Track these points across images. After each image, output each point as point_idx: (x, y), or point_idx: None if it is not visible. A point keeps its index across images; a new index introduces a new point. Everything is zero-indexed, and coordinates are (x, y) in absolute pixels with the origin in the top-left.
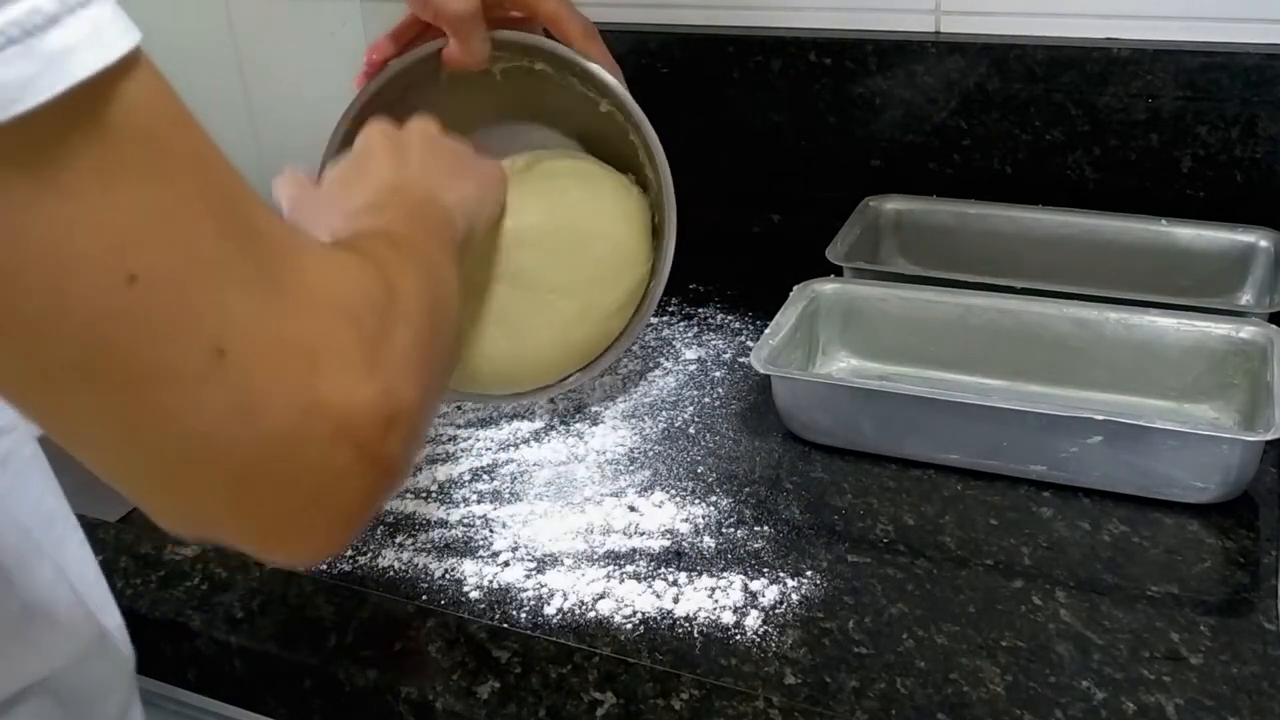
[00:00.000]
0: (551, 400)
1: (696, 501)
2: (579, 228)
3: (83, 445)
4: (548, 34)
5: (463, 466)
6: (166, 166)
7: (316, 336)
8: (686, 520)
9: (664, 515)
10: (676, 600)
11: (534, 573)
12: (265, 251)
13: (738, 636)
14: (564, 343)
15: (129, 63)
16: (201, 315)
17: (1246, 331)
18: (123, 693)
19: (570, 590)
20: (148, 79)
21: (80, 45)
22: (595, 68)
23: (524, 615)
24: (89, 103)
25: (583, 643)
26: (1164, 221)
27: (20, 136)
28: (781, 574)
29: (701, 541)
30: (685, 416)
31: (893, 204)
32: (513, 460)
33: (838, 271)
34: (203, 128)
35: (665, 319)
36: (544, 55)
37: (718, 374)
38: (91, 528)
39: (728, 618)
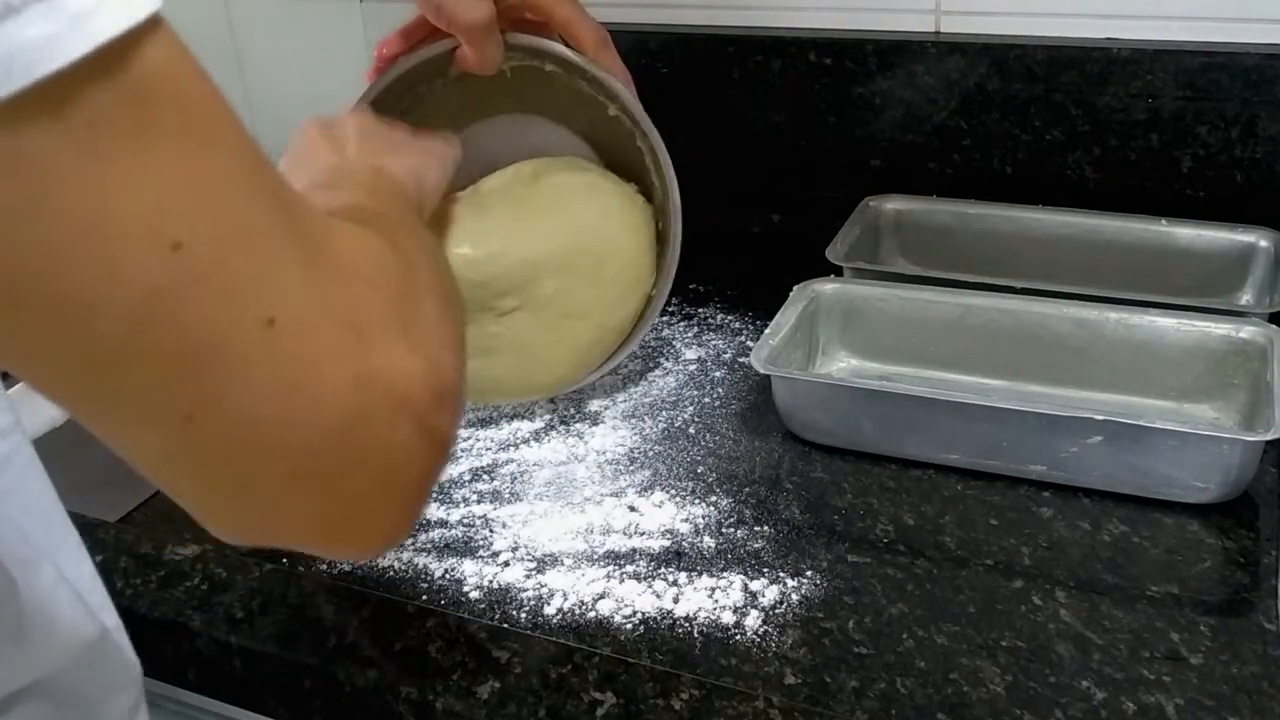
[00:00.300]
0: (551, 400)
1: (696, 501)
2: (592, 251)
3: (131, 443)
4: (561, 39)
5: (463, 466)
6: (199, 130)
7: (358, 307)
8: (686, 520)
9: (664, 515)
10: (676, 600)
11: (534, 573)
12: (298, 219)
13: (738, 636)
14: (576, 363)
15: (154, 24)
16: (249, 283)
17: (1246, 331)
18: (129, 697)
19: (570, 590)
20: (172, 43)
21: (104, 4)
22: (606, 76)
23: (524, 615)
24: (118, 62)
25: (583, 643)
26: (1164, 221)
27: (48, 99)
28: (781, 574)
29: (701, 541)
30: (685, 416)
31: (893, 204)
32: (513, 460)
33: (838, 271)
34: (223, 96)
35: (665, 319)
36: (555, 59)
37: (718, 374)
38: (91, 528)
39: (728, 618)
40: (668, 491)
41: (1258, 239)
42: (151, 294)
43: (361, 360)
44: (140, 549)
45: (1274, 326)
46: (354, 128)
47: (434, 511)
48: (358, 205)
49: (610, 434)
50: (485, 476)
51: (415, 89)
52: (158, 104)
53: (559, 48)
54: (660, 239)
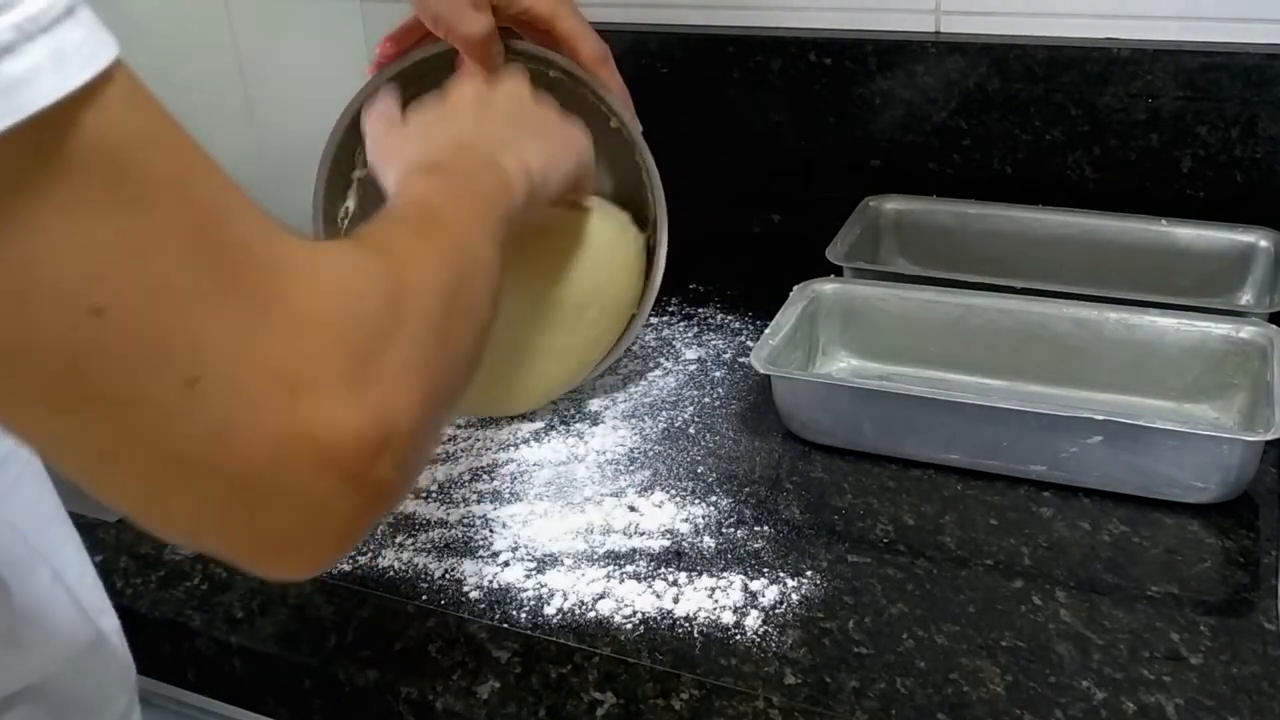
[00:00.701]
0: (552, 400)
1: (696, 501)
2: (578, 300)
3: (67, 468)
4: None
5: (462, 466)
6: (137, 194)
7: (299, 360)
8: (686, 520)
9: (664, 515)
10: (676, 600)
11: (534, 573)
12: (247, 271)
13: (738, 636)
14: (545, 394)
15: (97, 86)
16: (172, 344)
17: (1246, 331)
18: (123, 700)
19: (570, 590)
20: (121, 98)
21: (39, 74)
22: (604, 91)
23: (524, 615)
24: (50, 134)
25: (583, 643)
26: (1164, 221)
27: None
28: (781, 574)
29: (701, 541)
30: (685, 416)
31: (893, 204)
32: (513, 460)
33: (838, 271)
34: (189, 139)
35: (665, 319)
36: (557, 67)
37: (718, 374)
38: (90, 528)
39: (728, 618)
40: (668, 491)
41: (1258, 239)
42: (72, 356)
43: (289, 415)
44: (140, 549)
45: (1274, 326)
46: (506, 98)
47: (434, 511)
48: (424, 202)
49: (610, 434)
50: (485, 476)
51: (422, 82)
52: (93, 172)
53: (560, 57)
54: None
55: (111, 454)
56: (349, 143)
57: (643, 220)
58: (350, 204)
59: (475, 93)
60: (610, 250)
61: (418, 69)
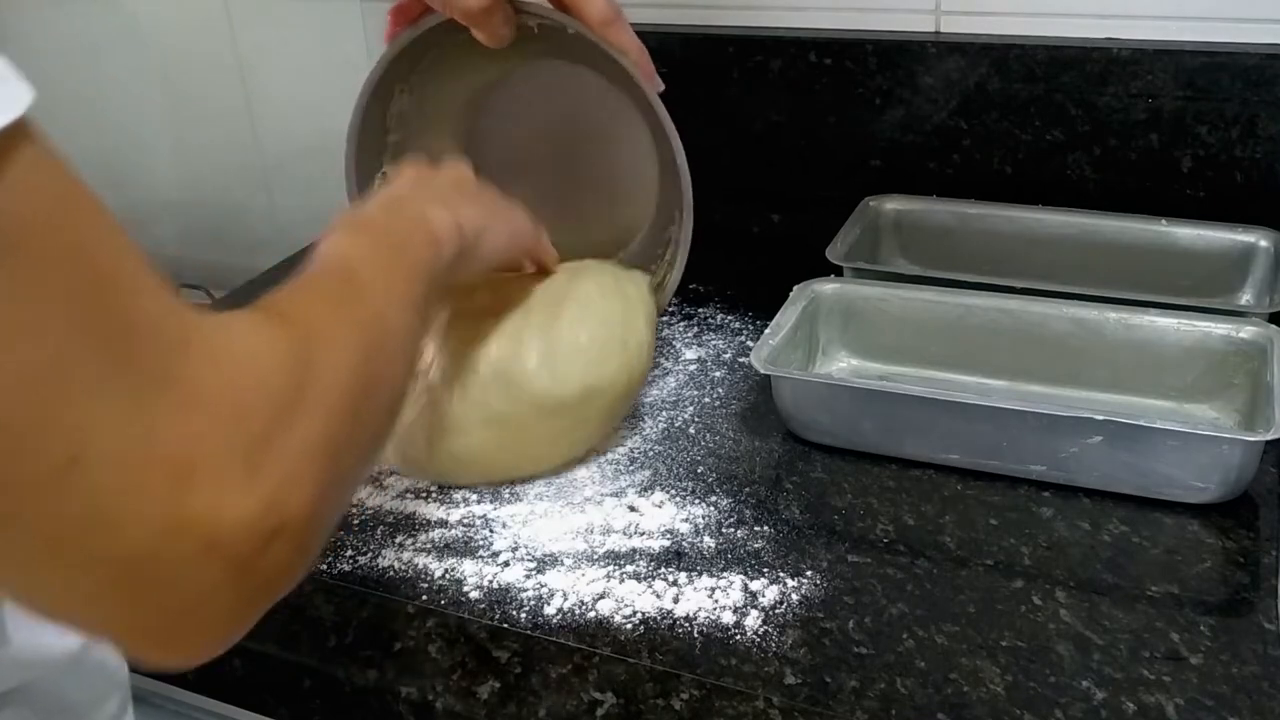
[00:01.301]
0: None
1: (696, 501)
2: (595, 394)
3: None
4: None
5: None
6: (24, 270)
7: (191, 442)
8: (686, 520)
9: (664, 515)
10: (676, 600)
11: (534, 573)
12: (141, 349)
13: (738, 636)
14: (561, 461)
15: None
16: (53, 424)
17: (1247, 331)
18: (114, 701)
19: (570, 590)
20: (20, 168)
21: None
22: (615, 53)
23: (524, 615)
24: None
25: (583, 643)
26: (1164, 221)
27: None
28: (781, 574)
29: (701, 541)
30: (685, 416)
31: (893, 204)
32: None
33: (838, 271)
34: (93, 202)
35: (665, 319)
36: (574, 27)
37: (718, 374)
38: None
39: (728, 618)
40: (668, 491)
41: (1258, 239)
42: None
43: (174, 503)
44: None
45: (1274, 326)
46: (447, 176)
47: (434, 511)
48: (344, 266)
49: (610, 434)
50: None
51: (439, 45)
52: None
53: (571, 19)
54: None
55: None
56: (375, 109)
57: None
58: (387, 169)
59: (417, 172)
60: (622, 341)
61: (432, 36)
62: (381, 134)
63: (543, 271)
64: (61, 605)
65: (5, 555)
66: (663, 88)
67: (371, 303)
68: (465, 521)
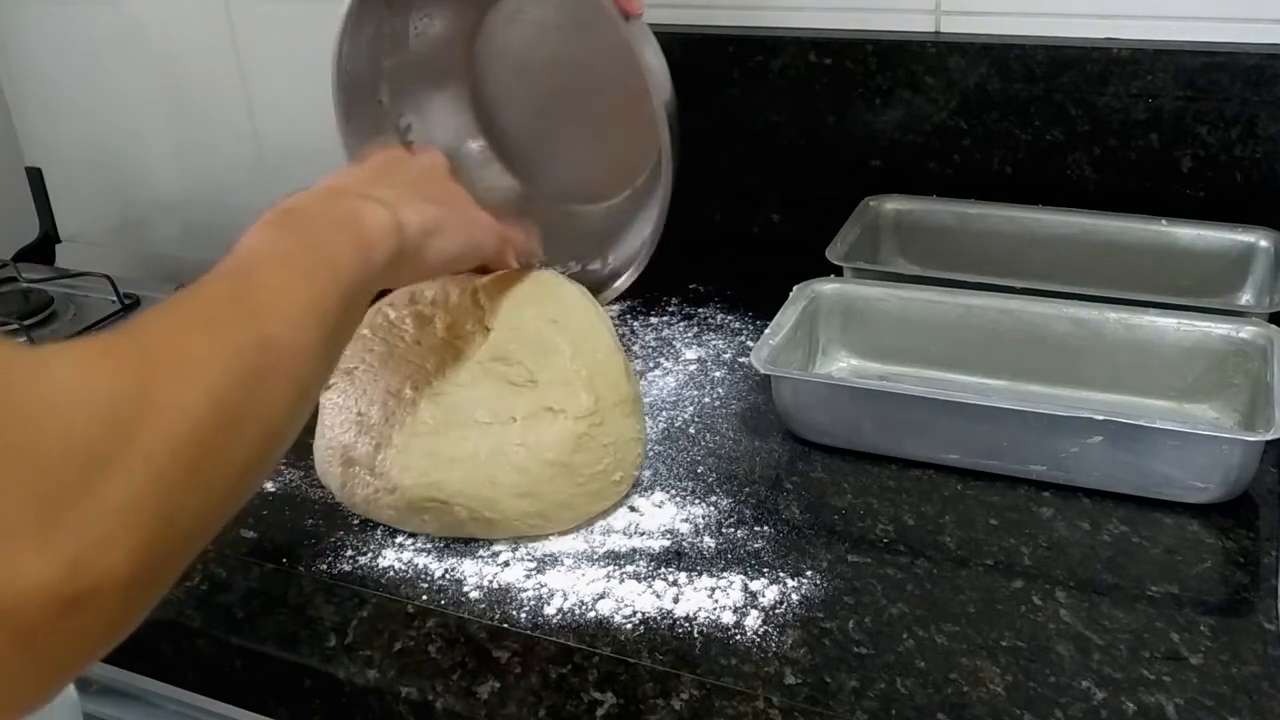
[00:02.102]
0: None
1: (696, 501)
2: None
3: None
4: None
5: None
6: None
7: None
8: (686, 520)
9: (664, 515)
10: (676, 600)
11: (534, 573)
12: None
13: (738, 636)
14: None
15: None
16: None
17: (1247, 331)
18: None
19: (570, 590)
20: None
21: None
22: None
23: (524, 615)
24: None
25: (583, 643)
26: (1164, 221)
27: None
28: (781, 574)
29: (701, 541)
30: (685, 416)
31: (893, 204)
32: None
33: (838, 271)
34: None
35: (665, 319)
36: None
37: (718, 374)
38: None
39: (728, 618)
40: (668, 491)
41: (1258, 239)
42: None
43: None
44: None
45: (1274, 326)
46: (415, 167)
47: None
48: (236, 275)
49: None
50: None
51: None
52: None
53: None
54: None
55: None
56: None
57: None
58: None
59: (387, 156)
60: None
61: None
62: (377, 58)
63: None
64: None
65: None
66: (640, 11)
67: (259, 322)
68: None
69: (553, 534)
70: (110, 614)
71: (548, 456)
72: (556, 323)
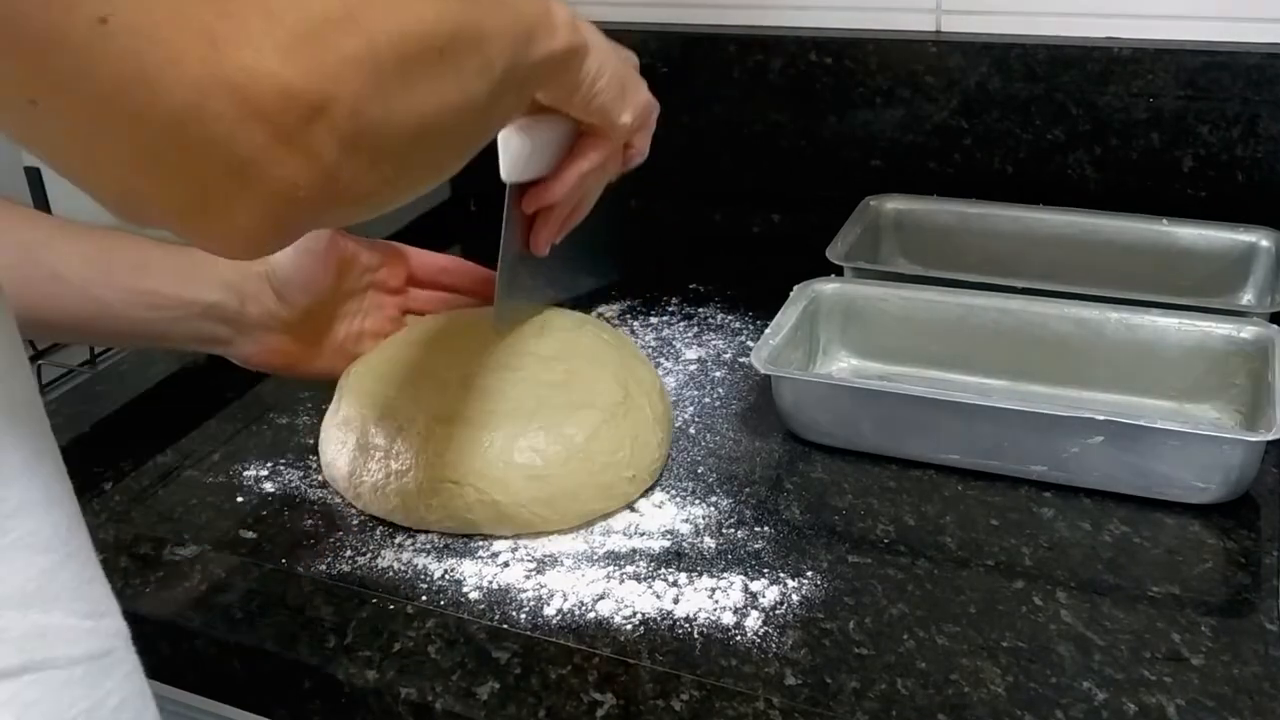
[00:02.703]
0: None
1: (696, 502)
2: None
3: (6, 124)
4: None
5: None
6: None
7: (217, 19)
8: (687, 520)
9: (664, 515)
10: (676, 601)
11: (534, 573)
12: None
13: (738, 637)
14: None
15: None
16: None
17: (1248, 331)
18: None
19: (570, 591)
20: None
21: None
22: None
23: (524, 616)
24: None
25: (582, 644)
26: (1165, 221)
27: None
28: (782, 574)
29: (702, 542)
30: (685, 416)
31: (893, 204)
32: None
33: (838, 271)
34: None
35: (665, 319)
36: None
37: (718, 374)
38: (90, 529)
39: (728, 618)
40: (668, 491)
41: (1259, 239)
42: None
43: (210, 63)
44: (140, 549)
45: (1275, 326)
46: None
47: None
48: None
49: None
50: None
51: None
52: None
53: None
54: None
55: (31, 101)
56: None
57: None
58: None
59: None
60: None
61: None
62: None
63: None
64: (110, 177)
65: (53, 127)
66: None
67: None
68: None
69: (554, 532)
70: (345, 140)
71: (565, 438)
72: (606, 340)
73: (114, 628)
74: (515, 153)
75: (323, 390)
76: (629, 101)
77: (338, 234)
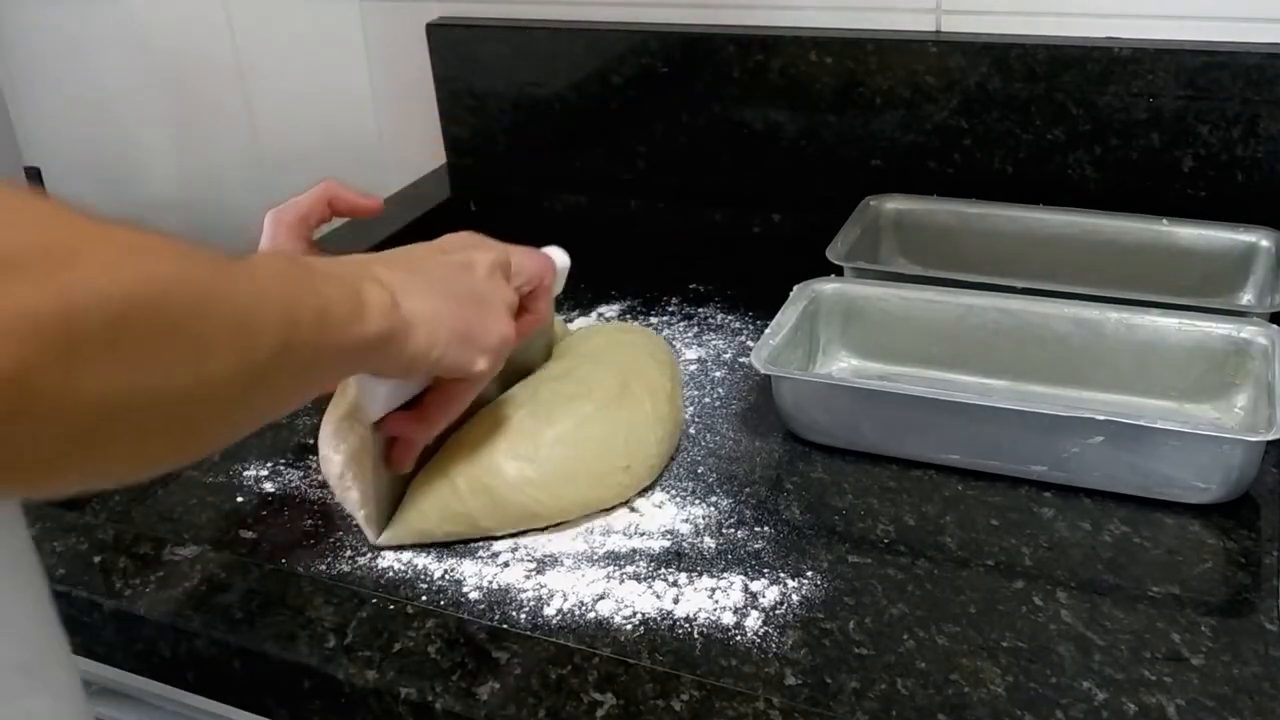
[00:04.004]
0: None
1: (696, 502)
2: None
3: None
4: None
5: None
6: None
7: None
8: (687, 521)
9: (664, 516)
10: (677, 601)
11: (534, 573)
12: None
13: (738, 637)
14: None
15: None
16: None
17: (1248, 331)
18: None
19: (570, 591)
20: None
21: None
22: None
23: (524, 616)
24: None
25: (582, 644)
26: (1165, 221)
27: None
28: (782, 574)
29: (702, 542)
30: (685, 416)
31: (893, 204)
32: None
33: (838, 271)
34: None
35: (665, 319)
36: None
37: (718, 374)
38: (90, 529)
39: (728, 618)
40: (668, 492)
41: (1259, 239)
42: None
43: None
44: (140, 549)
45: (1275, 326)
46: (453, 266)
47: None
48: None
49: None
50: None
51: None
52: None
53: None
54: None
55: None
56: None
57: None
58: None
59: (429, 247)
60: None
61: None
62: None
63: None
64: None
65: None
66: None
67: (229, 279)
68: None
69: (554, 528)
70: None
71: (556, 423)
72: (623, 341)
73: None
74: (369, 396)
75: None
76: (479, 346)
77: (309, 245)
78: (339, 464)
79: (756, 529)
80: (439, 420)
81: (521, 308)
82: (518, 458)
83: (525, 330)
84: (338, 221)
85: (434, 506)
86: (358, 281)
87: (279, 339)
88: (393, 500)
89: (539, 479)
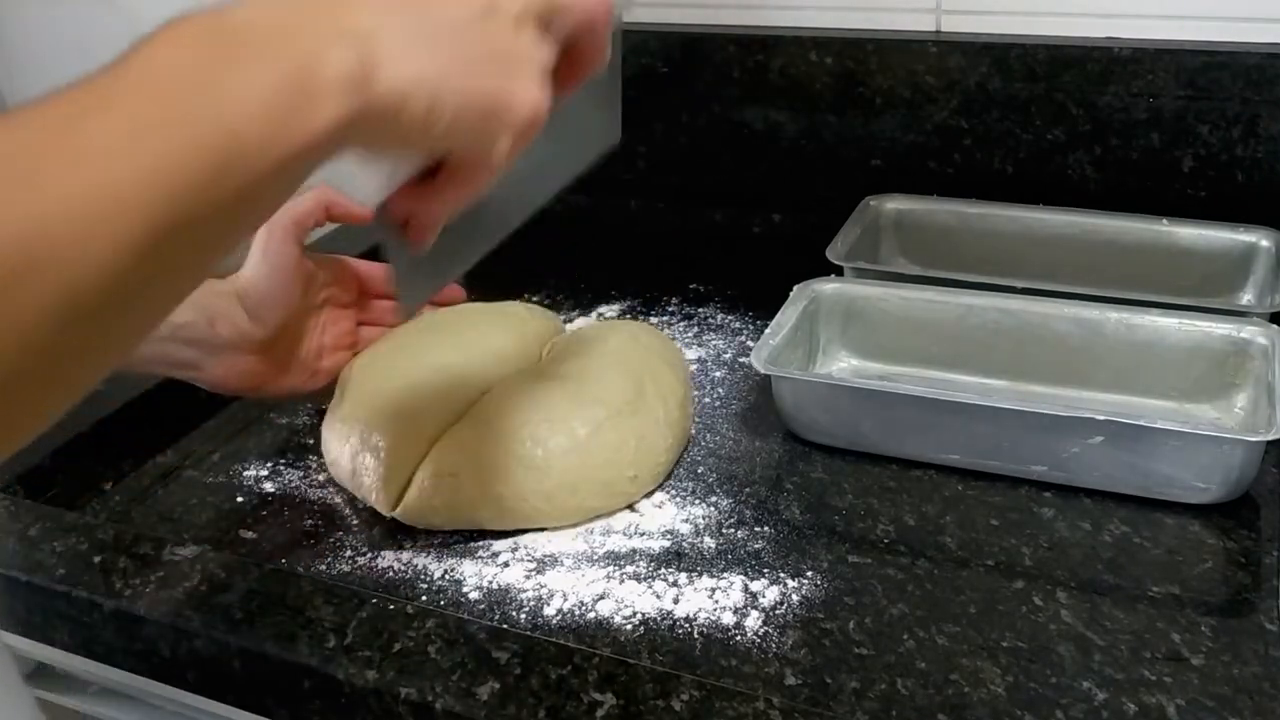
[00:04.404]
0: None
1: (696, 502)
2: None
3: None
4: None
5: None
6: None
7: None
8: (687, 521)
9: (664, 516)
10: (676, 601)
11: (534, 573)
12: None
13: (738, 637)
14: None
15: None
16: None
17: (1248, 331)
18: None
19: (570, 591)
20: None
21: None
22: None
23: (524, 616)
24: None
25: (582, 644)
26: (1165, 221)
27: None
28: (782, 574)
29: (702, 542)
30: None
31: (893, 204)
32: None
33: (838, 271)
34: None
35: (665, 319)
36: None
37: (718, 374)
38: (89, 528)
39: (728, 618)
40: (668, 492)
41: (1259, 239)
42: None
43: None
44: (140, 549)
45: (1275, 326)
46: (506, 10)
47: None
48: (85, 99)
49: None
50: None
51: None
52: None
53: None
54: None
55: None
56: None
57: None
58: None
59: None
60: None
61: None
62: None
63: None
64: None
65: None
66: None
67: (39, 195)
68: None
69: (554, 528)
70: None
71: (569, 432)
72: (638, 342)
73: None
74: (363, 177)
75: (322, 389)
76: (502, 121)
77: (301, 249)
78: (348, 456)
79: (756, 529)
80: (455, 196)
81: (569, 54)
82: (529, 469)
83: (573, 81)
84: (331, 226)
85: (444, 503)
86: (310, 47)
87: (176, 208)
88: (404, 482)
89: (544, 490)
